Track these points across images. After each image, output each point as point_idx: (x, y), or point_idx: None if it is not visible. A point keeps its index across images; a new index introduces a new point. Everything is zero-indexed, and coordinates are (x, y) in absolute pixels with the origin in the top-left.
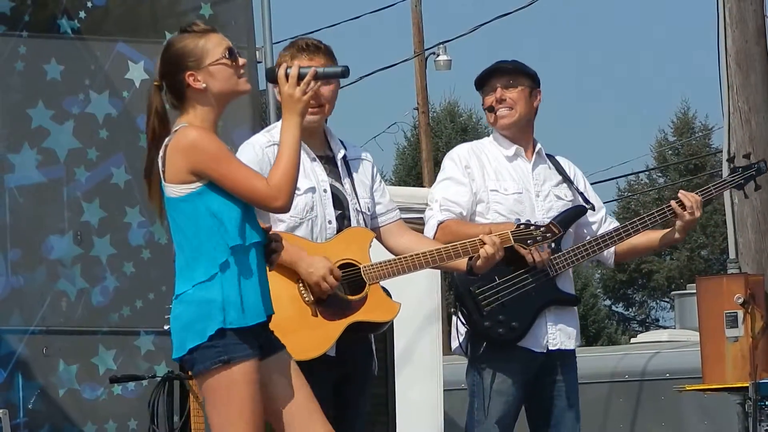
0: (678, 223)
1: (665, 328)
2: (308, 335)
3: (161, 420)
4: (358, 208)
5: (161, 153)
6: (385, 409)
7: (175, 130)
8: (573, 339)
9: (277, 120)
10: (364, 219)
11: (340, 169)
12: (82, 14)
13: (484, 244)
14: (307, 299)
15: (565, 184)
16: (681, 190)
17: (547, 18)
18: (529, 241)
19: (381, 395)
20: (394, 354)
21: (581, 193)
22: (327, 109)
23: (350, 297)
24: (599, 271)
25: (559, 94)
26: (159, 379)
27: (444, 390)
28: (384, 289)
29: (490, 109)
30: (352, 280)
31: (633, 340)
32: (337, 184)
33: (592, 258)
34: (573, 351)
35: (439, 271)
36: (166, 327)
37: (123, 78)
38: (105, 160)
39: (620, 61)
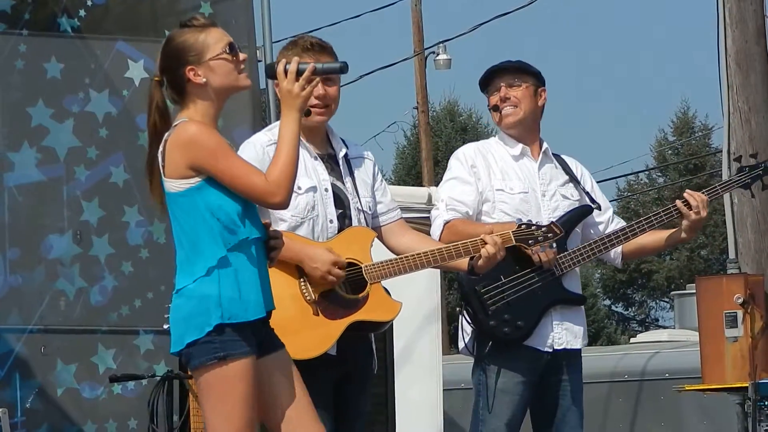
0: (684, 222)
1: (665, 328)
2: (309, 334)
3: (161, 419)
4: (360, 207)
5: (161, 148)
6: (385, 409)
7: (175, 125)
8: (579, 338)
9: (278, 119)
10: (365, 218)
11: (341, 167)
12: (82, 13)
13: (486, 243)
14: (308, 298)
15: (571, 184)
16: (687, 190)
17: (547, 17)
18: (530, 241)
19: (380, 395)
20: (393, 353)
21: (588, 193)
22: (333, 109)
23: (351, 296)
24: (599, 271)
25: (559, 94)
26: (159, 378)
27: (443, 390)
28: (384, 288)
29: (495, 109)
30: (354, 279)
31: (632, 340)
32: (339, 183)
33: (598, 257)
34: (579, 350)
35: (438, 270)
36: (165, 326)
37: (123, 77)
38: (104, 159)
39: (620, 60)
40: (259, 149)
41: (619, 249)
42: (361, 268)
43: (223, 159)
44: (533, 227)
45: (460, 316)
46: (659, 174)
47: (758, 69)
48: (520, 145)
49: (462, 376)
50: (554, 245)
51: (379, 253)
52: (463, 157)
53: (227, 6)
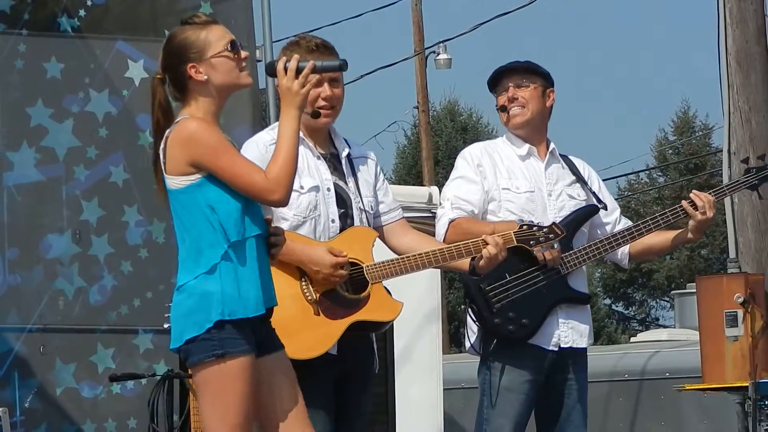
0: (691, 223)
1: (665, 327)
2: (310, 334)
3: (161, 419)
4: (362, 207)
5: (162, 145)
6: (385, 408)
7: (176, 122)
8: (585, 337)
9: (278, 118)
10: (367, 218)
11: (344, 167)
12: (82, 12)
13: (487, 244)
14: (309, 298)
15: (578, 184)
16: (694, 191)
17: (547, 17)
18: (531, 242)
19: (381, 394)
20: (394, 353)
21: (594, 194)
22: (338, 110)
23: (353, 296)
24: (599, 270)
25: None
26: (159, 377)
27: (444, 389)
28: (385, 288)
29: (503, 109)
30: (355, 279)
31: (633, 339)
32: (341, 183)
33: (603, 257)
34: (584, 350)
35: (439, 270)
36: (166, 325)
37: (123, 76)
38: (104, 159)
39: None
40: (261, 148)
41: (626, 250)
42: (362, 268)
43: (222, 156)
44: (534, 228)
45: (466, 316)
46: (660, 173)
47: (759, 68)
48: (527, 145)
49: (462, 375)
50: (555, 245)
51: (380, 253)
52: (470, 156)
53: (227, 6)
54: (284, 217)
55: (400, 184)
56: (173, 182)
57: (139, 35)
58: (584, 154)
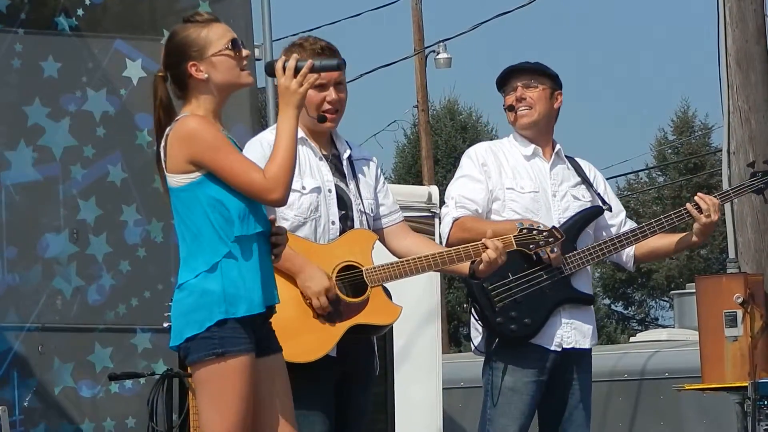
0: (695, 226)
1: (664, 327)
2: (310, 337)
3: (160, 418)
4: (362, 209)
5: (163, 143)
6: (384, 408)
7: (176, 120)
8: (588, 338)
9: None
10: (367, 220)
11: (345, 169)
12: (80, 12)
13: (487, 248)
14: (308, 301)
15: (583, 186)
16: (699, 193)
17: (547, 17)
18: (531, 246)
19: (380, 394)
20: (393, 352)
21: (600, 195)
22: (341, 113)
23: (352, 299)
24: (599, 270)
25: None
26: (158, 376)
27: (443, 388)
28: (385, 288)
29: (510, 108)
30: (355, 282)
31: (632, 339)
32: (342, 184)
33: (607, 258)
34: (588, 350)
35: None
36: (166, 324)
37: (121, 76)
38: (101, 158)
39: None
40: (265, 147)
41: (631, 252)
42: (362, 271)
43: (221, 154)
44: (534, 231)
45: (470, 315)
46: (659, 173)
47: (758, 68)
48: (532, 146)
49: (461, 375)
50: (555, 249)
51: (380, 256)
52: (475, 156)
53: (225, 5)
54: (285, 218)
55: (399, 183)
56: (174, 180)
57: (138, 34)
58: (584, 154)
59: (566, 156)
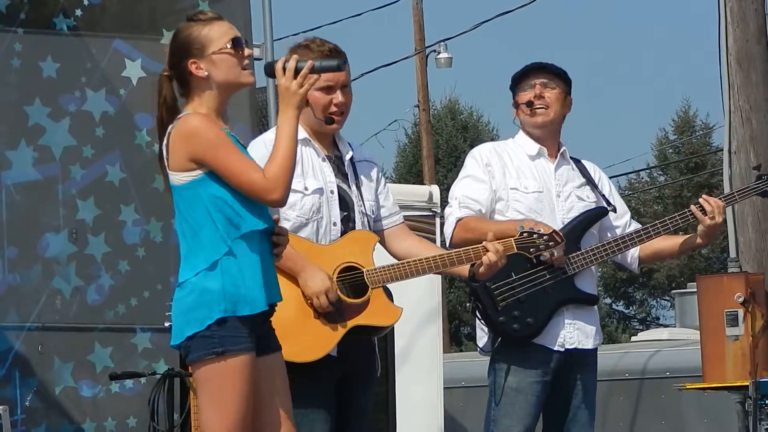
0: (700, 227)
1: (665, 326)
2: (310, 337)
3: (161, 417)
4: (363, 211)
5: (165, 141)
6: (386, 407)
7: (178, 118)
8: (591, 338)
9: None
10: (368, 221)
11: (347, 170)
12: (78, 12)
13: (487, 251)
14: (310, 301)
15: (588, 186)
16: (703, 195)
17: (548, 16)
18: (531, 250)
19: (381, 393)
20: (394, 352)
21: (604, 197)
22: (346, 115)
23: (353, 300)
24: (599, 270)
25: None
26: (159, 376)
27: (444, 388)
28: (386, 290)
29: (529, 104)
30: (355, 283)
31: (633, 338)
32: (344, 186)
33: (611, 258)
34: (592, 351)
35: None
36: (167, 324)
37: (120, 75)
38: (100, 158)
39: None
40: (269, 147)
41: (635, 253)
42: (362, 272)
43: (222, 152)
44: (535, 235)
45: (475, 315)
46: (660, 172)
47: (759, 68)
48: (538, 146)
49: (462, 374)
50: (555, 253)
51: (381, 257)
52: (479, 156)
53: (225, 4)
54: (287, 218)
55: (400, 182)
56: (176, 178)
57: (137, 34)
58: (585, 153)
59: (571, 157)
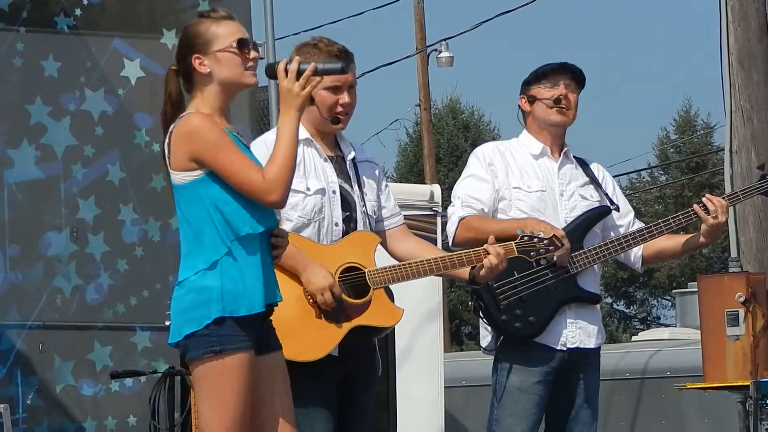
0: (703, 227)
1: (666, 326)
2: (311, 337)
3: (162, 416)
4: (365, 211)
5: (167, 140)
6: (386, 406)
7: (180, 117)
8: (593, 337)
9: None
10: (369, 222)
11: (349, 170)
12: (78, 11)
13: (488, 254)
14: (311, 300)
15: (591, 186)
16: (707, 194)
17: (549, 16)
18: (532, 254)
19: (382, 392)
20: (395, 351)
21: (608, 196)
22: (351, 116)
23: (354, 300)
24: (601, 269)
25: None
26: (159, 375)
27: (445, 387)
28: (388, 290)
29: (557, 101)
30: (357, 283)
31: (634, 338)
32: (346, 186)
33: (613, 257)
34: (595, 350)
35: None
36: (167, 323)
37: (119, 75)
38: (101, 158)
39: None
40: (270, 147)
41: (639, 253)
42: (364, 272)
43: (221, 153)
44: (535, 239)
45: (478, 315)
46: (661, 172)
47: (760, 67)
48: (541, 145)
49: (463, 373)
50: (555, 257)
51: (382, 258)
52: (482, 155)
53: (225, 4)
54: (289, 219)
55: (401, 182)
56: (176, 177)
57: (137, 32)
58: (586, 153)
59: (575, 157)
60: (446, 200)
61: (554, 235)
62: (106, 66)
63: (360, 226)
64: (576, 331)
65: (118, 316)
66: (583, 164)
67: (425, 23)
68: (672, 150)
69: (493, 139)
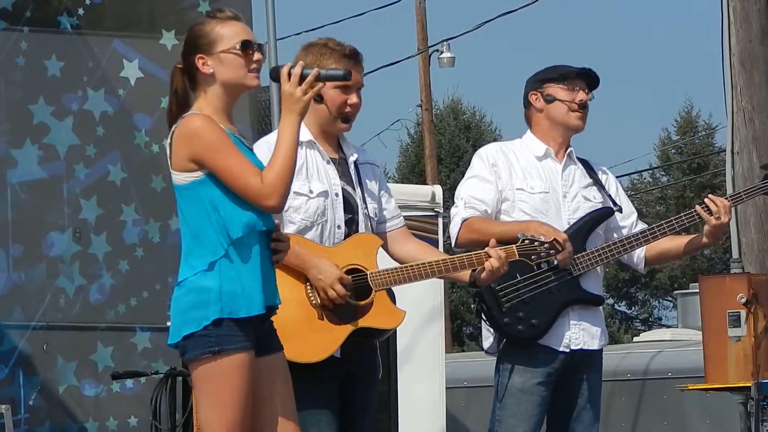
0: (705, 228)
1: (668, 327)
2: (314, 338)
3: (163, 417)
4: (367, 213)
5: (169, 140)
6: (388, 407)
7: (183, 117)
8: (596, 339)
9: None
10: (371, 224)
11: (351, 173)
12: (80, 11)
13: (490, 257)
14: (314, 302)
15: (594, 187)
16: (709, 195)
17: (550, 16)
18: (533, 257)
19: (383, 393)
20: (396, 351)
21: (611, 197)
22: (355, 118)
23: (356, 302)
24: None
25: None
26: (161, 375)
27: (446, 388)
28: (390, 292)
29: (583, 106)
30: (359, 285)
31: (635, 339)
32: (349, 188)
33: (616, 259)
34: (598, 351)
35: None
36: (168, 323)
37: (119, 76)
38: (102, 158)
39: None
40: (272, 149)
41: (642, 254)
42: (366, 274)
43: (220, 155)
44: (536, 243)
45: (480, 318)
46: (663, 173)
47: (762, 69)
48: (545, 146)
49: (465, 374)
50: (556, 261)
51: (383, 260)
52: (485, 156)
53: (225, 4)
54: (291, 221)
55: (403, 182)
56: (177, 178)
57: (136, 32)
58: (588, 153)
59: (578, 158)
60: (447, 201)
61: (555, 239)
62: (107, 66)
63: (361, 228)
64: (579, 333)
65: (119, 317)
66: (587, 165)
67: (427, 24)
68: (673, 151)
69: (495, 139)
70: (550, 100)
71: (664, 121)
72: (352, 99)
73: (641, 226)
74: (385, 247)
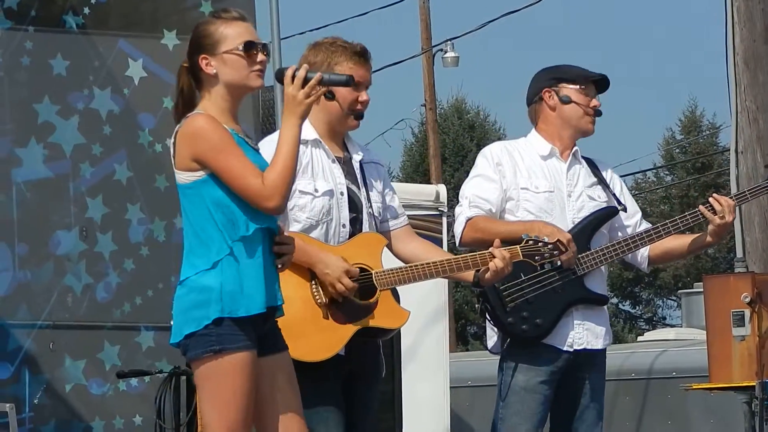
0: (710, 227)
1: (672, 326)
2: (318, 337)
3: (167, 416)
4: (372, 212)
5: (173, 139)
6: (392, 406)
7: (186, 117)
8: (600, 339)
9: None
10: (375, 223)
11: (356, 172)
12: (86, 10)
13: (494, 257)
14: (319, 301)
15: (599, 186)
16: (714, 194)
17: (555, 16)
18: (537, 258)
19: (387, 392)
20: (400, 351)
21: (615, 196)
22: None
23: (361, 301)
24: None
25: None
26: (165, 374)
27: (450, 387)
28: (394, 292)
29: (598, 113)
30: (364, 285)
31: (640, 338)
32: (353, 187)
33: (620, 258)
34: (602, 351)
35: None
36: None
37: (124, 75)
38: (108, 156)
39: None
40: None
41: (645, 253)
42: (371, 274)
43: (222, 155)
44: (540, 243)
45: (484, 317)
46: (667, 172)
47: (766, 68)
48: (549, 145)
49: (469, 373)
50: (560, 262)
51: (387, 260)
52: (490, 155)
53: (228, 4)
54: (297, 220)
55: (407, 182)
56: (180, 177)
57: (140, 32)
58: (591, 153)
59: (583, 157)
60: (452, 200)
61: (559, 240)
62: (113, 65)
63: (366, 227)
64: (583, 333)
65: (125, 315)
66: (591, 164)
67: (431, 23)
68: (677, 150)
69: (499, 138)
70: (566, 101)
71: (668, 121)
72: (363, 96)
73: (645, 225)
74: (389, 245)
